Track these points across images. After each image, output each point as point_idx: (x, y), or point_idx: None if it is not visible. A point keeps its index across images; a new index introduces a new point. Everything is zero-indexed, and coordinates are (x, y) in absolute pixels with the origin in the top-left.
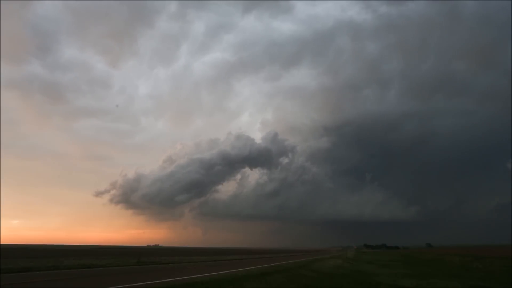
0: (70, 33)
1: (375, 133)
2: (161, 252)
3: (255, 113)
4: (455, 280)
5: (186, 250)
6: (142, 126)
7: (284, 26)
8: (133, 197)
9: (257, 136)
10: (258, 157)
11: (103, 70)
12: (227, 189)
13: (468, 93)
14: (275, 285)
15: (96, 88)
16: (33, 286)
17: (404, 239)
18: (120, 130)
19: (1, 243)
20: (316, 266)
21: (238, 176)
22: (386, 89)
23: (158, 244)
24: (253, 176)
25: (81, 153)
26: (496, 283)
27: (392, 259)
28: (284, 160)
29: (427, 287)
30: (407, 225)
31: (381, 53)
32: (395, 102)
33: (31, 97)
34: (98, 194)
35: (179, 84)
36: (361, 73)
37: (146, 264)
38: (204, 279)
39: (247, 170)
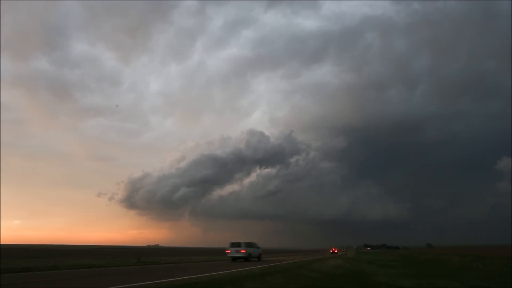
0: (81, 27)
1: (394, 136)
2: (161, 252)
3: (269, 111)
4: (455, 280)
5: (186, 250)
6: (150, 124)
7: (307, 22)
8: (137, 198)
9: (270, 134)
10: (268, 156)
11: (114, 66)
12: (231, 188)
13: (498, 95)
14: (276, 285)
15: (105, 86)
16: (32, 286)
17: (404, 239)
18: (127, 130)
19: (4, 243)
20: (316, 266)
21: (244, 175)
22: (412, 89)
23: (158, 244)
24: (260, 175)
25: (86, 153)
26: (497, 283)
27: (392, 259)
28: (295, 159)
29: (427, 287)
30: (407, 225)
31: (410, 51)
32: (420, 103)
33: (36, 95)
34: (102, 194)
35: (191, 81)
36: (387, 71)
37: (146, 264)
38: (204, 279)
39: (253, 169)
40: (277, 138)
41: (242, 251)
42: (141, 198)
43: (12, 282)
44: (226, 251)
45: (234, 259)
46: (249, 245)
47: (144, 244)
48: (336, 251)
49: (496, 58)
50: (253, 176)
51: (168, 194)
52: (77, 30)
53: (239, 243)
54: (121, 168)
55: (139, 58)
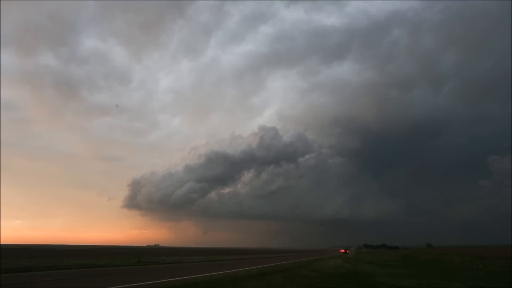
0: (92, 21)
1: (410, 138)
2: (161, 252)
3: (282, 109)
4: (456, 280)
5: (186, 250)
6: (158, 123)
7: (330, 18)
8: (139, 198)
9: (282, 133)
10: (277, 155)
11: (124, 63)
12: (234, 188)
13: None
14: (275, 285)
15: (113, 83)
16: (32, 286)
17: (404, 239)
18: (135, 129)
19: (5, 243)
20: (316, 266)
21: (248, 175)
22: (437, 89)
23: (158, 244)
24: (265, 174)
25: (92, 153)
26: (497, 283)
27: (392, 259)
28: (303, 159)
29: (427, 287)
30: (407, 225)
31: (438, 48)
32: (443, 105)
33: (43, 92)
34: (106, 195)
35: (202, 78)
36: (412, 70)
37: (146, 264)
38: (204, 279)
39: (259, 167)
40: (290, 137)
41: None
42: (144, 199)
43: (12, 281)
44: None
45: None
46: None
47: (144, 244)
48: (347, 252)
49: None
50: (257, 175)
51: (171, 194)
52: (87, 24)
53: None
54: (126, 168)
55: (150, 55)
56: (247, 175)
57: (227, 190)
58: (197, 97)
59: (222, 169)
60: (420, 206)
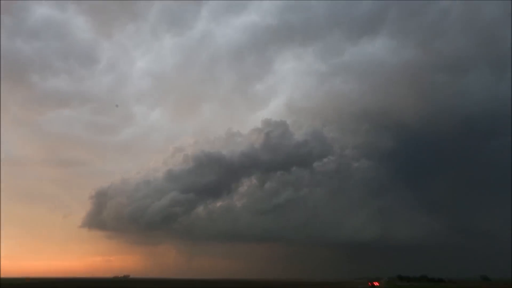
0: None
1: (462, 137)
2: (133, 286)
3: (294, 99)
4: None
5: (165, 282)
6: (133, 117)
7: None
8: (105, 215)
9: (293, 130)
10: (286, 158)
11: (88, 38)
12: (227, 201)
13: None
14: None
15: (73, 65)
16: None
17: (451, 269)
18: (101, 125)
19: None
20: None
21: (247, 184)
22: (499, 73)
23: (129, 275)
24: (268, 184)
25: (44, 156)
26: None
27: None
28: (320, 164)
29: None
30: (456, 251)
31: (502, 21)
32: (507, 94)
33: None
34: (60, 211)
35: (190, 59)
36: (468, 48)
37: None
38: None
39: (263, 175)
40: (303, 134)
41: None
42: (111, 215)
43: None
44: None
45: None
46: None
47: (111, 275)
48: (375, 284)
49: None
50: (259, 185)
51: (146, 208)
52: None
53: None
54: (90, 176)
55: (123, 28)
56: (247, 184)
57: (219, 203)
58: (183, 83)
59: (215, 176)
60: (472, 226)
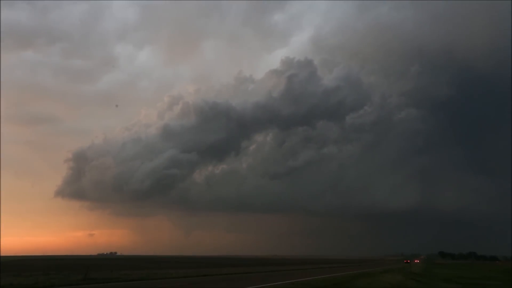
0: None
1: None
2: (121, 264)
3: (323, 34)
4: None
5: (159, 259)
6: (115, 59)
7: None
8: (86, 181)
9: (319, 73)
10: (311, 110)
11: None
12: (238, 163)
13: None
14: None
15: None
16: None
17: (506, 245)
18: (75, 69)
19: None
20: (362, 285)
21: (260, 141)
22: None
23: (116, 252)
24: (287, 141)
25: (5, 112)
26: None
27: (488, 277)
28: (356, 116)
29: None
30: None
31: None
32: None
33: None
34: (28, 178)
35: None
36: None
37: (97, 282)
38: None
39: (281, 131)
40: (334, 79)
41: None
42: (93, 182)
43: None
44: None
45: None
46: None
47: (95, 252)
48: (412, 262)
49: None
50: (277, 143)
51: (134, 174)
52: None
53: None
54: (64, 134)
55: None
56: (259, 143)
57: (223, 166)
58: (178, 15)
59: (223, 132)
60: None
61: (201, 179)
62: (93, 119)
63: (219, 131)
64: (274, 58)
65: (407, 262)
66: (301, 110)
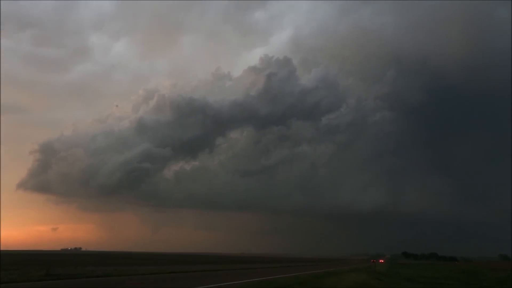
0: None
1: None
2: (85, 260)
3: (303, 34)
4: None
5: (124, 256)
6: (89, 50)
7: None
8: (52, 174)
9: (298, 73)
10: (288, 109)
11: None
12: (211, 160)
13: None
14: None
15: None
16: None
17: (465, 247)
18: (46, 59)
19: None
20: (328, 283)
21: (231, 141)
22: None
23: (81, 248)
24: (263, 140)
25: None
26: None
27: (447, 276)
28: (333, 117)
29: None
30: (473, 227)
31: None
32: None
33: None
34: None
35: None
36: None
37: (59, 278)
38: None
39: (256, 130)
40: (313, 79)
41: None
42: (59, 175)
43: None
44: None
45: None
46: None
47: (58, 247)
48: (377, 262)
49: None
50: (251, 141)
51: (102, 167)
52: None
53: None
54: (31, 125)
55: None
56: (233, 140)
57: (194, 163)
58: (158, 7)
59: (199, 129)
60: (493, 198)
61: (171, 175)
62: (64, 110)
63: (195, 127)
64: (253, 56)
65: (374, 262)
66: (277, 109)
